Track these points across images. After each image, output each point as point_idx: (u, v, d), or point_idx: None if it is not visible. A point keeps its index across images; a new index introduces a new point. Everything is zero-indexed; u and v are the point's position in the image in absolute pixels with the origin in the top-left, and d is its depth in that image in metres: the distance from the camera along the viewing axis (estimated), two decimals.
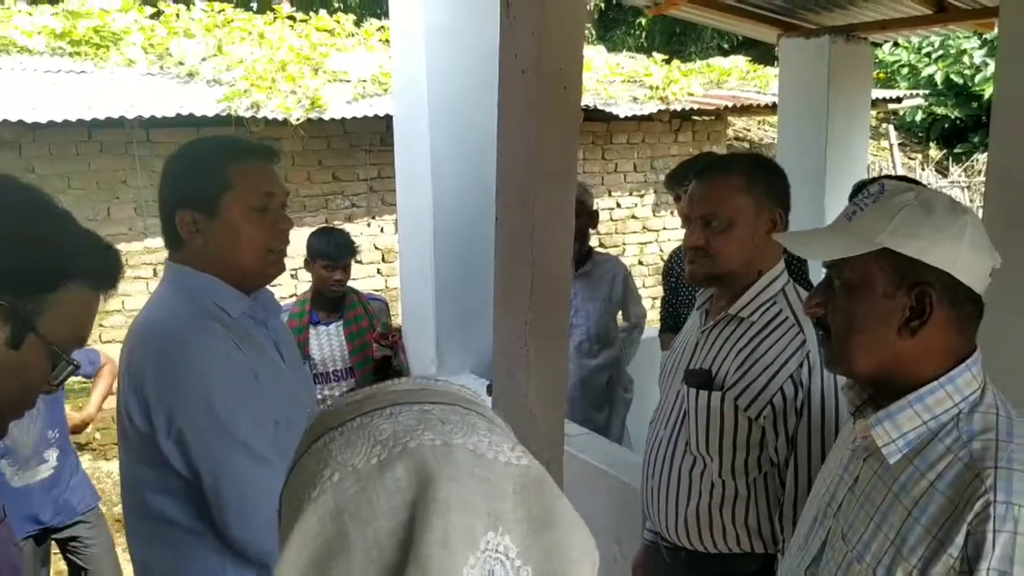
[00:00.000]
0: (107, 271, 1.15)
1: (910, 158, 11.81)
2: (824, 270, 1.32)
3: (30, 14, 7.35)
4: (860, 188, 3.02)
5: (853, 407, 1.33)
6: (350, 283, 3.97)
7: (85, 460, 6.02)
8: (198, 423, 1.60)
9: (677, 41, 14.98)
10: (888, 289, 1.20)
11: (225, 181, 1.71)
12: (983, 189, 10.81)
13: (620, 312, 4.18)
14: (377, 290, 6.51)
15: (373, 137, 6.84)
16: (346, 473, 0.62)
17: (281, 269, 1.86)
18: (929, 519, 1.13)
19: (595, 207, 4.07)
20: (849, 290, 1.24)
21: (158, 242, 5.96)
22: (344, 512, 0.60)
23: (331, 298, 3.82)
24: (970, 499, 1.09)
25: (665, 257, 8.26)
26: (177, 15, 7.74)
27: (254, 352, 1.72)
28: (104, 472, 5.94)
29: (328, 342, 3.79)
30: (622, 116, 7.35)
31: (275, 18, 8.21)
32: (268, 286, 1.93)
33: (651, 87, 7.95)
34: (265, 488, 1.61)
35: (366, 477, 0.61)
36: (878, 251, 1.20)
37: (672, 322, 3.75)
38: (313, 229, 4.07)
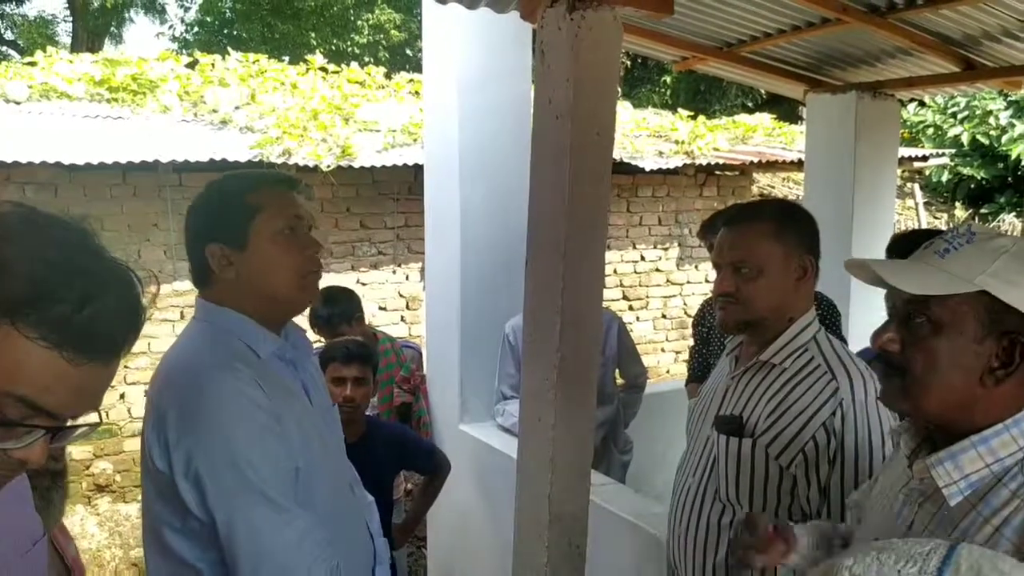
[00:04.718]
0: (65, 326, 0.86)
1: (935, 217, 11.76)
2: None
3: (71, 62, 7.57)
4: (899, 240, 3.01)
5: (908, 450, 1.30)
6: (384, 329, 3.96)
7: (104, 503, 6.03)
8: (215, 467, 1.58)
9: (702, 99, 15.13)
10: (978, 334, 1.17)
11: (251, 209, 1.71)
12: None
13: (618, 370, 4.16)
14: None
15: (401, 186, 6.92)
16: None
17: (315, 293, 1.86)
18: None
19: None
20: (936, 329, 1.20)
21: (187, 285, 6.02)
22: None
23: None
24: None
25: (689, 311, 8.25)
26: (212, 65, 7.93)
27: (279, 395, 1.70)
28: (123, 515, 5.93)
29: None
30: (648, 169, 7.39)
31: (307, 69, 8.38)
32: (301, 326, 1.93)
33: (677, 141, 8.01)
34: (278, 537, 1.60)
35: None
36: (975, 293, 1.16)
37: (701, 372, 3.73)
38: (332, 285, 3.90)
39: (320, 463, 1.77)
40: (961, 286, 1.17)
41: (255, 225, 1.71)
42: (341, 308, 3.65)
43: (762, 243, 1.91)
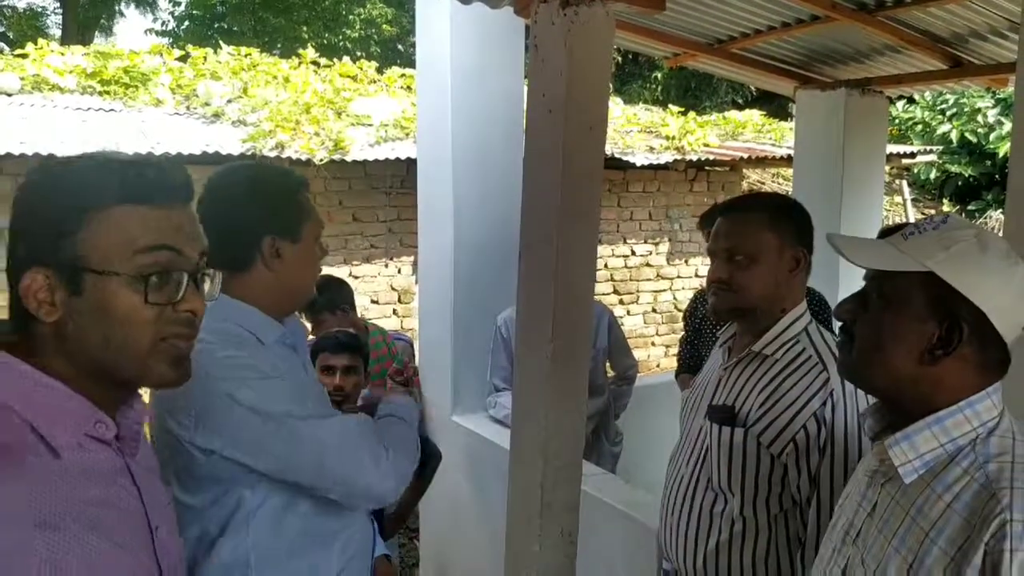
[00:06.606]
0: (132, 183, 1.12)
1: (923, 214, 11.84)
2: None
3: (62, 54, 7.53)
4: (885, 233, 3.04)
5: (872, 432, 1.35)
6: (375, 322, 3.95)
7: None
8: (231, 418, 1.60)
9: (692, 95, 15.17)
10: (921, 313, 1.22)
11: (305, 209, 1.82)
12: None
13: (608, 362, 4.20)
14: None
15: (394, 180, 6.93)
16: None
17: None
18: (946, 540, 1.13)
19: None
20: (884, 304, 1.26)
21: None
22: None
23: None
24: (986, 518, 1.09)
25: (679, 305, 8.29)
26: (204, 58, 7.92)
27: (289, 373, 1.74)
28: None
29: None
30: (638, 165, 7.42)
31: (300, 63, 8.38)
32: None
33: (667, 137, 8.05)
34: (334, 434, 1.65)
35: None
36: (923, 274, 1.21)
37: (691, 363, 3.77)
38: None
39: None
40: (911, 265, 1.22)
41: (307, 226, 1.81)
42: (326, 296, 3.64)
43: (757, 232, 1.94)
